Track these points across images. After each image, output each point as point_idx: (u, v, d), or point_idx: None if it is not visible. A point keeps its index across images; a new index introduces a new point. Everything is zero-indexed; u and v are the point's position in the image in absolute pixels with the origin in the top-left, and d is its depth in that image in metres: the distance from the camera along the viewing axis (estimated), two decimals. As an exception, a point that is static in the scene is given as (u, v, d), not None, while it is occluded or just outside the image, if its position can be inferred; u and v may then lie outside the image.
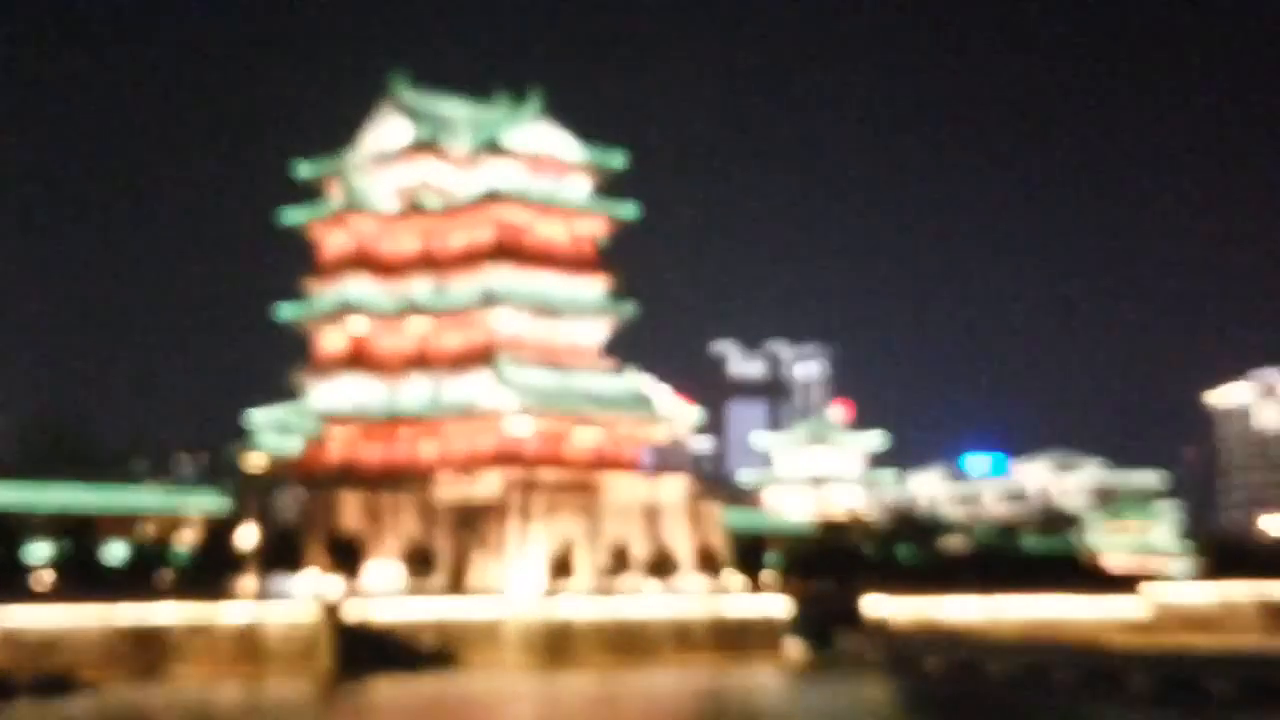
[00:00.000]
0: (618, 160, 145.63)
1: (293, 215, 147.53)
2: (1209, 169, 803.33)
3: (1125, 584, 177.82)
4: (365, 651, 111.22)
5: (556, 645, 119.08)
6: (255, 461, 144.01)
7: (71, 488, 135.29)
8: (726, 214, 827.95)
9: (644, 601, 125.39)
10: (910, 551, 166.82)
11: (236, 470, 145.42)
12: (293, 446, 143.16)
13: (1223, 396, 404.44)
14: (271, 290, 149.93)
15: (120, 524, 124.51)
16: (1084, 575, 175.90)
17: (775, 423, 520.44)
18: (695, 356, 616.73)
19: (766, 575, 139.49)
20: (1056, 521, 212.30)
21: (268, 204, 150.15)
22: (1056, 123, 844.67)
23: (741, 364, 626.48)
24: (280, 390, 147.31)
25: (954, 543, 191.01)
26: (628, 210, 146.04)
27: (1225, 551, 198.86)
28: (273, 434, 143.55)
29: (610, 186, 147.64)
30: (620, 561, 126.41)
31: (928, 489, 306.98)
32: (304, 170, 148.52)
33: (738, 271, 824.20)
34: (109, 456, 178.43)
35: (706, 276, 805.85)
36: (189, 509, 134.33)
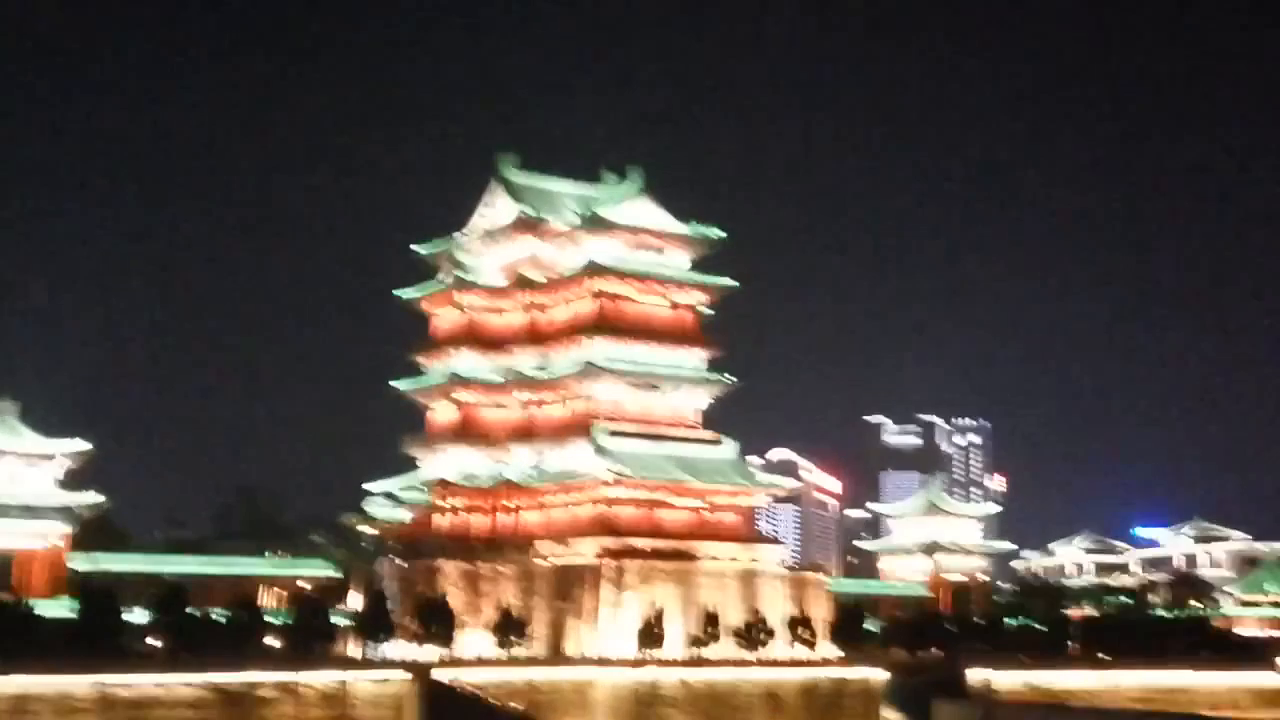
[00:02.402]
0: (715, 234, 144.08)
1: (407, 292, 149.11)
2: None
3: (1260, 654, 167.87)
4: (454, 717, 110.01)
5: (645, 710, 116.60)
6: (367, 530, 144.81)
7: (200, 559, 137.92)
8: (878, 291, 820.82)
9: (735, 668, 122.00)
10: (1030, 620, 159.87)
11: (350, 539, 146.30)
12: (404, 515, 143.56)
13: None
14: (390, 364, 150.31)
15: (233, 590, 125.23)
16: (1216, 644, 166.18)
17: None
18: (852, 429, 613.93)
19: (867, 643, 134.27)
20: (1190, 590, 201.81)
21: (390, 282, 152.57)
22: (1215, 188, 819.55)
23: (896, 436, 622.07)
24: (396, 460, 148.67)
25: (1081, 611, 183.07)
26: (725, 282, 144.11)
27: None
28: (386, 504, 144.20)
29: (712, 260, 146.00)
30: (712, 628, 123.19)
31: (1072, 557, 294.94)
32: (420, 249, 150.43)
33: (894, 347, 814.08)
34: (289, 529, 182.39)
35: (865, 353, 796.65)
36: (303, 576, 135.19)
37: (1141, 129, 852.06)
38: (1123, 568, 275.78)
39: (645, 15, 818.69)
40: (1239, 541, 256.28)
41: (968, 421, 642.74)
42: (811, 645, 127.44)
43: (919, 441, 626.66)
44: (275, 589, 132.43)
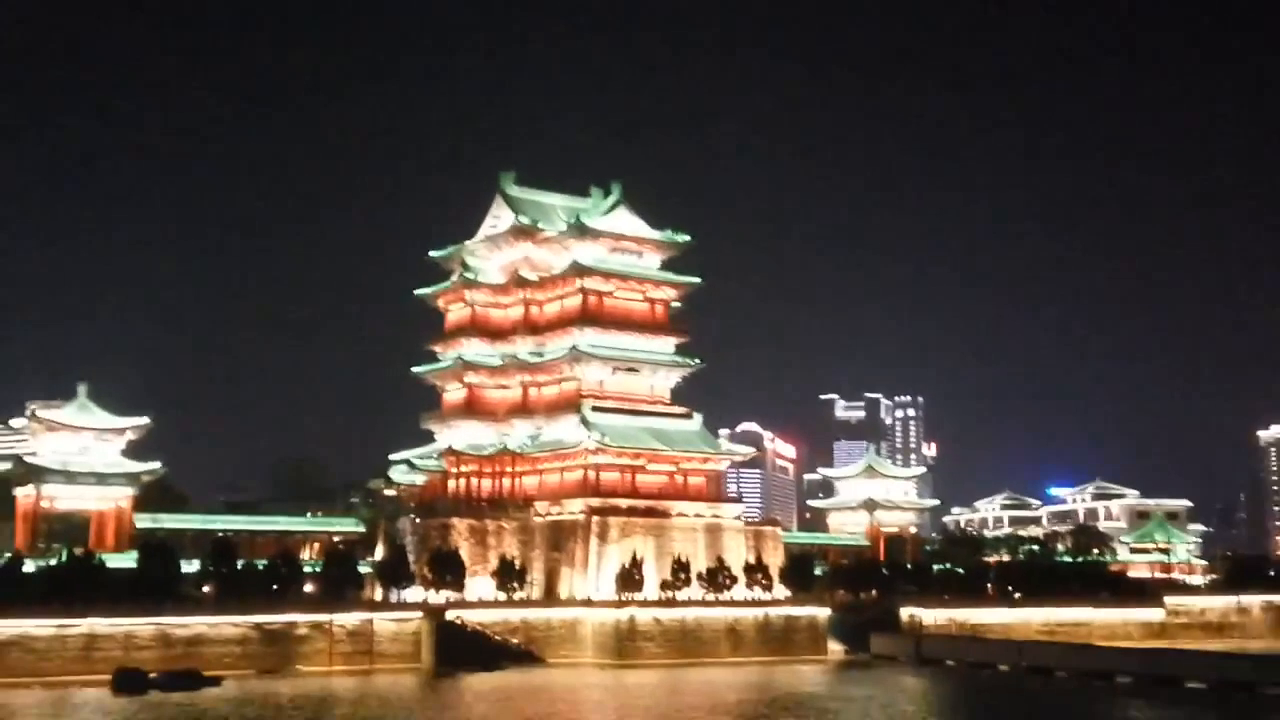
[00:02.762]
0: (683, 238, 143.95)
1: (424, 291, 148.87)
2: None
3: (1149, 593, 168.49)
4: (462, 651, 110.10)
5: (626, 645, 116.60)
6: (390, 493, 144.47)
7: (248, 516, 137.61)
8: (832, 288, 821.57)
9: (702, 608, 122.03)
10: (954, 566, 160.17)
11: (377, 501, 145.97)
12: (421, 480, 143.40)
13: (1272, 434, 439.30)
14: (411, 353, 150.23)
15: (276, 544, 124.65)
16: (1111, 586, 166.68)
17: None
18: (810, 406, 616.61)
19: (814, 586, 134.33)
20: (1089, 539, 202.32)
21: (412, 283, 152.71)
22: (1125, 188, 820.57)
23: (845, 410, 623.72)
24: (416, 434, 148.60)
25: (998, 558, 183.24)
26: (692, 280, 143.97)
27: (1243, 566, 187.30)
28: (407, 470, 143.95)
29: (681, 261, 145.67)
30: (683, 574, 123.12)
31: (993, 512, 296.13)
32: (435, 255, 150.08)
33: (847, 335, 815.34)
34: (329, 493, 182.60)
35: (822, 341, 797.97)
36: (337, 532, 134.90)
37: (1066, 123, 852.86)
38: (1035, 521, 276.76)
39: (634, 43, 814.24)
40: (1132, 499, 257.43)
41: (905, 398, 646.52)
42: (767, 588, 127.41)
43: (864, 415, 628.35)
44: (313, 543, 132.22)
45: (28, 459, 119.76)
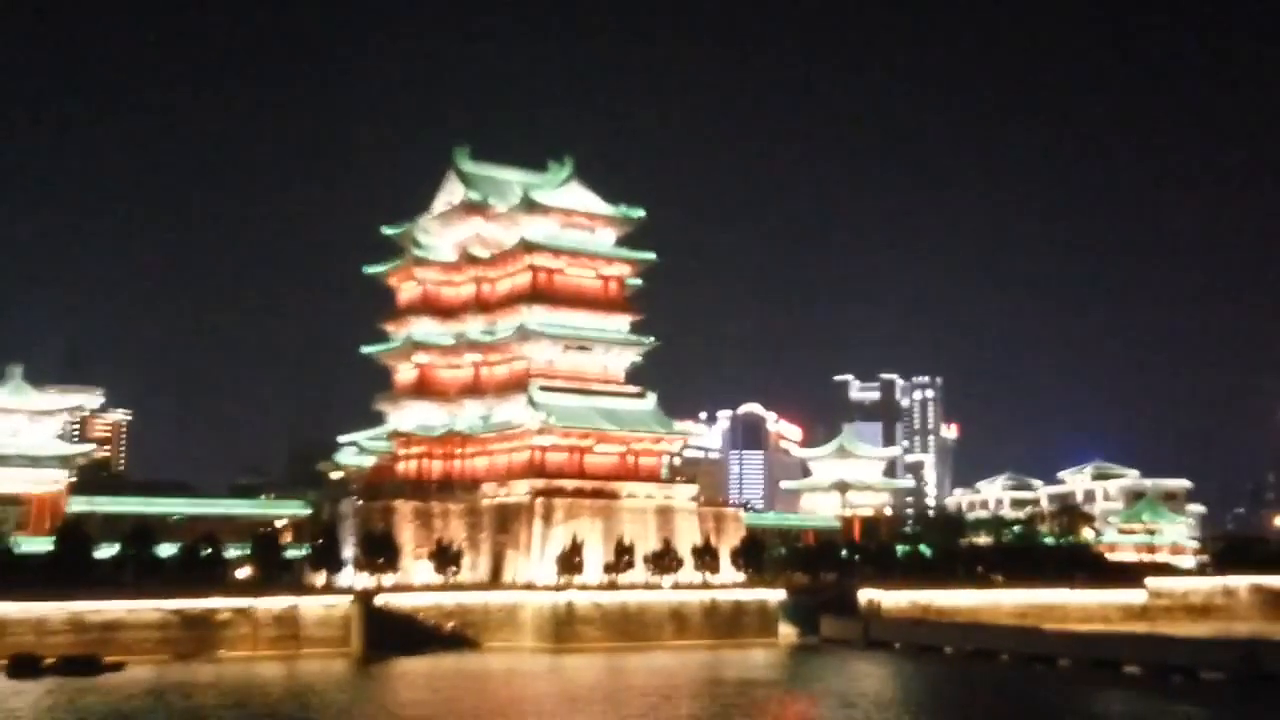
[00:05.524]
0: (638, 214, 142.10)
1: (373, 268, 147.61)
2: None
3: (1130, 576, 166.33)
4: (393, 635, 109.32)
5: (565, 630, 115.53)
6: (336, 475, 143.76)
7: (188, 500, 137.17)
8: (853, 268, 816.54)
9: (645, 591, 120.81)
10: (923, 548, 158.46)
11: (322, 483, 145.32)
12: (370, 462, 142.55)
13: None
14: (362, 332, 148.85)
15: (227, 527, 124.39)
16: (1091, 567, 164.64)
17: (890, 440, 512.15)
18: (823, 387, 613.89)
19: (769, 569, 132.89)
20: (1075, 520, 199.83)
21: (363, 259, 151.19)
22: (1141, 180, 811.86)
23: (859, 392, 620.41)
24: (367, 416, 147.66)
25: (978, 539, 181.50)
26: (647, 257, 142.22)
27: (1232, 547, 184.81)
28: (355, 453, 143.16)
29: (637, 237, 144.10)
30: (627, 556, 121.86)
31: (995, 494, 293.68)
32: (388, 231, 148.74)
33: (864, 315, 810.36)
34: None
35: (837, 320, 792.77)
36: (280, 515, 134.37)
37: (1089, 110, 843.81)
38: (1035, 502, 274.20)
39: (592, 15, 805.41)
40: (1130, 479, 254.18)
41: (924, 379, 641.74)
42: (716, 571, 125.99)
43: (879, 396, 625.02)
44: (260, 527, 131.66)
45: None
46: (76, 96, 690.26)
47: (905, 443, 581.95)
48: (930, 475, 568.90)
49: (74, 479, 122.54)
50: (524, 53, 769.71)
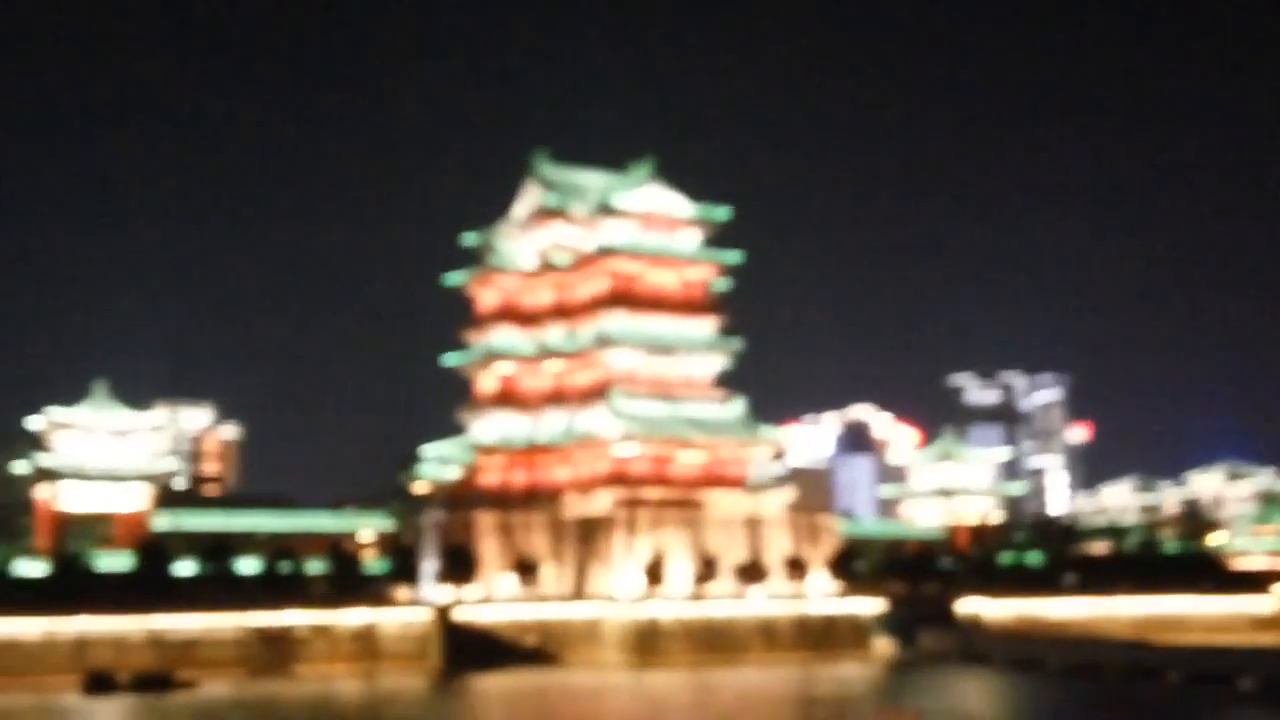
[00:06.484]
0: (722, 214, 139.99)
1: (453, 277, 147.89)
2: None
3: (1260, 584, 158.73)
4: (471, 650, 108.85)
5: (648, 644, 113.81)
6: (421, 487, 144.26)
7: (273, 514, 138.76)
8: (969, 261, 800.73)
9: (732, 603, 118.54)
10: (1029, 556, 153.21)
11: (406, 496, 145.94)
12: (453, 474, 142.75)
13: None
14: (443, 342, 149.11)
15: (313, 543, 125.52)
16: (1216, 575, 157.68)
17: (1012, 444, 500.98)
18: (939, 389, 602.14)
19: (864, 579, 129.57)
20: (1200, 524, 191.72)
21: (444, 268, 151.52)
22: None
23: (977, 393, 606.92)
24: (450, 426, 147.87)
25: (1095, 547, 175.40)
26: (731, 258, 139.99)
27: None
28: (438, 464, 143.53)
29: (722, 237, 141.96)
30: (711, 568, 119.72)
31: (1119, 498, 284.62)
32: (467, 239, 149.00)
33: (981, 312, 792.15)
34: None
35: (952, 318, 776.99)
36: (365, 529, 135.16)
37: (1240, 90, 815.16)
38: (1159, 506, 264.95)
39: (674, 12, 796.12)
40: (1264, 479, 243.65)
41: (1047, 377, 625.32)
42: (807, 581, 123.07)
43: (999, 398, 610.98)
44: (342, 541, 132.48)
45: (43, 460, 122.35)
46: (184, 111, 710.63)
47: (1028, 445, 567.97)
48: (1056, 480, 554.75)
49: (157, 493, 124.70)
50: (603, 52, 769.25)
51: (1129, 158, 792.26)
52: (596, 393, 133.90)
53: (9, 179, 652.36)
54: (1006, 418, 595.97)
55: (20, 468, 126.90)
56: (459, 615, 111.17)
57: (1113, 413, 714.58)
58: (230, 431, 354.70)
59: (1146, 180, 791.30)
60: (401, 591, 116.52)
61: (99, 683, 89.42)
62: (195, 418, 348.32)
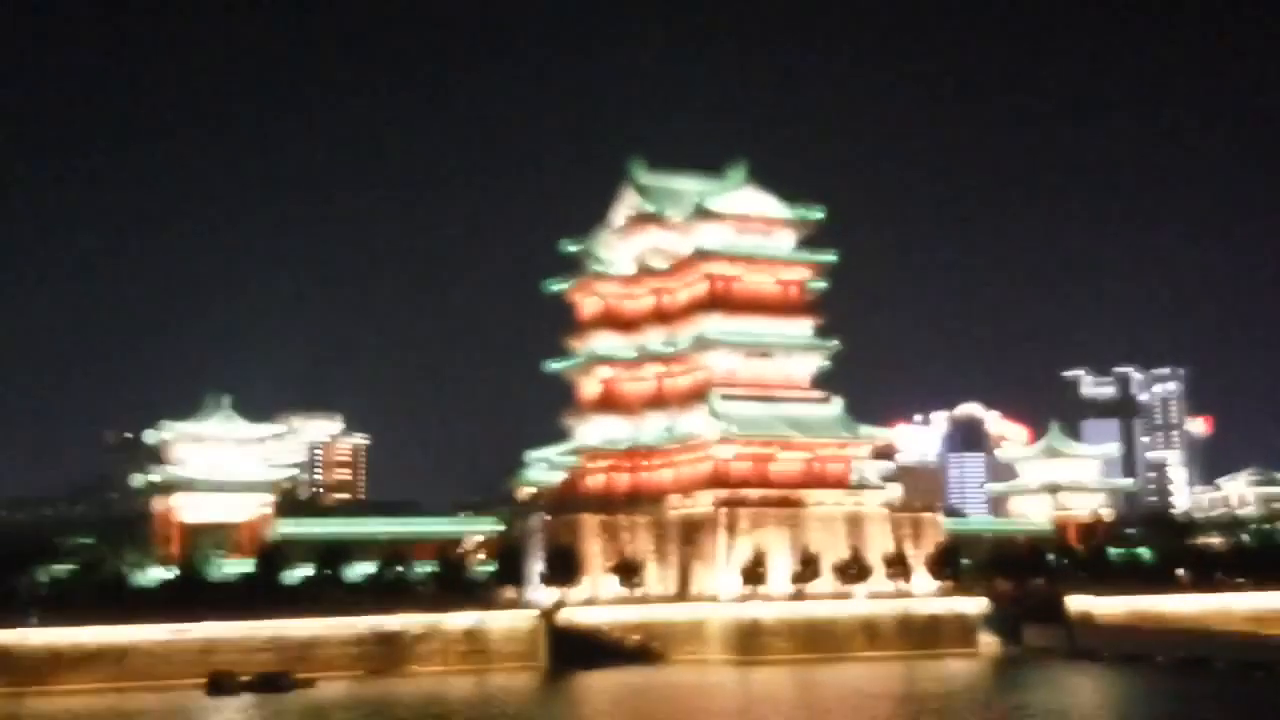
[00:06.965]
0: (816, 215, 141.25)
1: (554, 285, 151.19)
2: None
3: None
4: (577, 650, 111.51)
5: (751, 642, 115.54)
6: (527, 491, 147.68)
7: (388, 520, 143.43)
8: (1081, 258, 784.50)
9: (834, 601, 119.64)
10: (1141, 551, 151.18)
11: (512, 500, 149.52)
12: (559, 477, 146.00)
13: None
14: (547, 348, 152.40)
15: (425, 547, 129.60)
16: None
17: (1128, 439, 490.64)
18: (1052, 383, 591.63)
19: (969, 576, 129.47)
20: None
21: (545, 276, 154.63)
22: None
23: (1093, 388, 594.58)
24: (554, 431, 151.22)
25: (1210, 540, 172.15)
26: (827, 258, 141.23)
27: None
28: (545, 468, 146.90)
29: (818, 237, 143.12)
30: (812, 566, 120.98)
31: (1238, 491, 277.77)
32: (567, 246, 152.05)
33: (1093, 306, 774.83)
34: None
35: (1065, 313, 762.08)
36: (474, 533, 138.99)
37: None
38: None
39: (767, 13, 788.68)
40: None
41: (1164, 370, 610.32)
42: (909, 579, 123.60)
43: (1115, 392, 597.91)
44: (454, 545, 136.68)
45: (163, 472, 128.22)
46: (257, 110, 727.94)
47: (1146, 439, 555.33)
48: (1177, 474, 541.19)
49: (279, 501, 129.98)
50: (696, 57, 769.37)
51: (1252, 143, 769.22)
52: (696, 395, 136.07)
53: (138, 189, 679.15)
54: (1124, 412, 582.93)
55: (139, 481, 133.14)
56: (564, 616, 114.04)
57: (1232, 405, 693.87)
58: (358, 440, 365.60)
59: (1266, 169, 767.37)
60: (508, 593, 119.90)
61: (222, 684, 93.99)
62: (326, 428, 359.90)
